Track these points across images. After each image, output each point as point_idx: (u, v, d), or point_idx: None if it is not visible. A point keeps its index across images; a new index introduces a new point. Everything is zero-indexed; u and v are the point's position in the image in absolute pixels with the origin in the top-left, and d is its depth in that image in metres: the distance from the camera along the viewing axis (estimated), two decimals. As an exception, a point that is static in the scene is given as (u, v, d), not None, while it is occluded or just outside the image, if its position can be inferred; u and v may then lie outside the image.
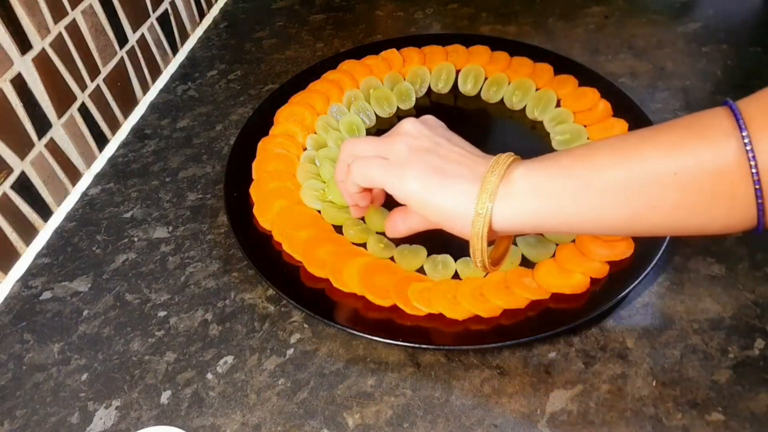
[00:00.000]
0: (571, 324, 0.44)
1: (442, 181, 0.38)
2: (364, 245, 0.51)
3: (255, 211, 0.54)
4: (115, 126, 0.66)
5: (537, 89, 0.64)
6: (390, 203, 0.55)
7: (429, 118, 0.44)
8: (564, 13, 0.78)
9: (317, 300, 0.47)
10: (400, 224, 0.44)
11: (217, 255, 0.54)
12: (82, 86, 0.61)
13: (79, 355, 0.47)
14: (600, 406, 0.41)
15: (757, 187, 0.31)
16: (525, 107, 0.63)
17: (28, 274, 0.54)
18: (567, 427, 0.41)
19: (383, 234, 0.51)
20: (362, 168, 0.42)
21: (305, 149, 0.60)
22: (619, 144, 0.35)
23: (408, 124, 0.42)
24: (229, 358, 0.46)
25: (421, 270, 0.49)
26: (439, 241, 0.51)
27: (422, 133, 0.41)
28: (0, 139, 0.51)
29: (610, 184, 0.34)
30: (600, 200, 0.35)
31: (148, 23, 0.70)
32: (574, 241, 0.49)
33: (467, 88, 0.66)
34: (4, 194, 0.53)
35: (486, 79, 0.66)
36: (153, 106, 0.70)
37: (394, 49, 0.69)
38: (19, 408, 0.44)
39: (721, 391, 0.41)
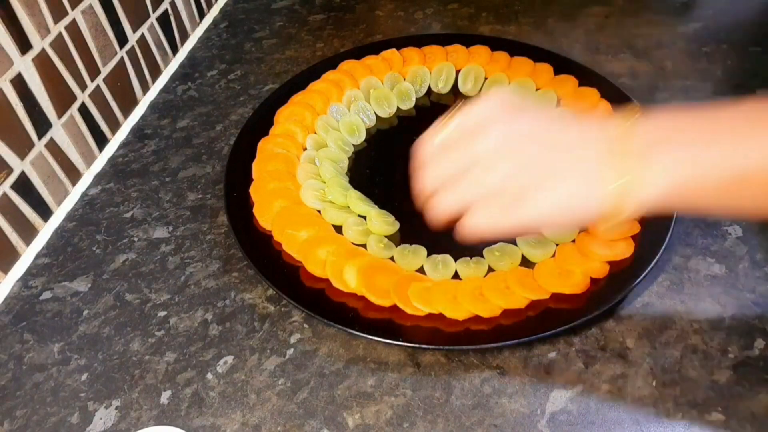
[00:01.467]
0: (571, 324, 0.44)
1: (574, 192, 0.34)
2: (364, 245, 0.51)
3: (255, 211, 0.54)
4: (115, 126, 0.66)
5: (537, 89, 0.64)
6: (391, 206, 0.55)
7: (490, 110, 0.37)
8: (564, 13, 0.78)
9: (317, 300, 0.47)
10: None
11: (217, 255, 0.54)
12: (82, 86, 0.61)
13: (79, 355, 0.47)
14: (600, 406, 0.41)
15: None
16: (525, 107, 0.63)
17: (28, 274, 0.54)
18: (567, 427, 0.41)
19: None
20: (484, 222, 0.36)
21: (305, 149, 0.60)
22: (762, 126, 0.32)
23: (491, 139, 0.35)
24: (229, 358, 0.46)
25: (421, 270, 0.49)
26: (439, 241, 0.51)
27: (514, 140, 0.36)
28: (0, 139, 0.51)
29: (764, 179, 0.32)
30: (755, 193, 0.32)
31: (148, 23, 0.70)
32: (574, 241, 0.49)
33: (467, 88, 0.66)
34: (4, 194, 0.53)
35: (486, 79, 0.66)
36: (153, 106, 0.70)
37: (394, 49, 0.69)
38: (19, 408, 0.44)
39: (721, 391, 0.41)
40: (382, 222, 0.52)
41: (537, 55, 0.67)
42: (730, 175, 0.32)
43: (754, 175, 0.32)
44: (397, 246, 0.51)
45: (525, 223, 0.36)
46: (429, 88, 0.67)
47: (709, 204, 0.34)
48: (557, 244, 0.49)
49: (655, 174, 0.33)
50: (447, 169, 0.37)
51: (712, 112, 0.34)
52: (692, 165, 0.33)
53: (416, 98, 0.66)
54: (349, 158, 0.60)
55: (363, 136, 0.62)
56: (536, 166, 0.35)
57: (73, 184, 0.61)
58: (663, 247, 0.47)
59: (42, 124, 0.56)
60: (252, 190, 0.56)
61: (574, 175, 0.35)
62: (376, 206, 0.54)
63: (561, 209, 0.35)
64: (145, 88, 0.71)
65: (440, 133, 0.39)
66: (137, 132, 0.67)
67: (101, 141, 0.65)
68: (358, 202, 0.54)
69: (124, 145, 0.66)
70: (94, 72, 0.62)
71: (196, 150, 0.64)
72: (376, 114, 0.64)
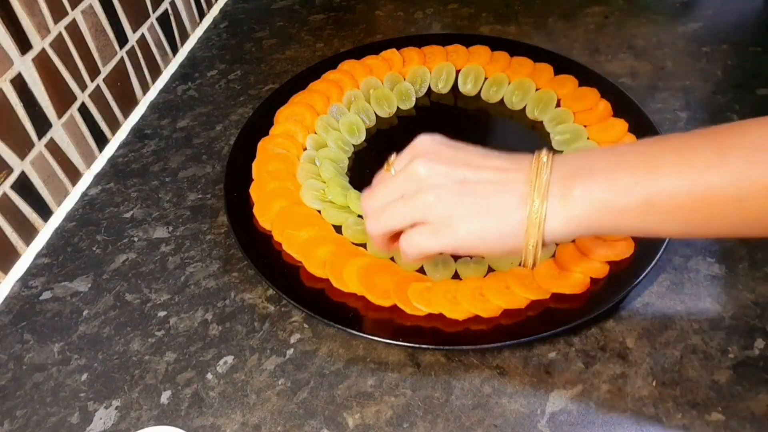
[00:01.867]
0: (571, 324, 0.44)
1: (491, 221, 0.37)
2: (364, 245, 0.51)
3: (255, 211, 0.54)
4: (115, 126, 0.66)
5: (537, 89, 0.64)
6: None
7: (427, 146, 0.40)
8: (564, 13, 0.78)
9: (317, 300, 0.47)
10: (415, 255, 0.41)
11: (217, 255, 0.54)
12: (82, 86, 0.61)
13: (79, 355, 0.47)
14: (600, 406, 0.41)
15: None
16: (525, 107, 0.63)
17: (28, 274, 0.54)
18: (567, 427, 0.41)
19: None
20: (414, 246, 0.39)
21: (305, 149, 0.60)
22: (685, 154, 0.34)
23: (421, 168, 0.38)
24: (229, 358, 0.46)
25: (421, 270, 0.49)
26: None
27: (441, 174, 0.38)
28: (0, 139, 0.51)
29: (673, 205, 0.33)
30: (663, 218, 0.34)
31: (148, 23, 0.70)
32: (574, 241, 0.49)
33: (467, 88, 0.66)
34: (4, 194, 0.53)
35: (486, 79, 0.66)
36: (153, 106, 0.70)
37: (394, 49, 0.69)
38: (19, 408, 0.44)
39: (721, 391, 0.41)
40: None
41: (537, 55, 0.67)
42: (636, 200, 0.34)
43: (659, 198, 0.33)
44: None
45: (451, 249, 0.38)
46: (429, 88, 0.67)
47: (619, 229, 0.36)
48: (557, 244, 0.49)
49: (567, 204, 0.35)
50: (384, 197, 0.40)
51: (619, 147, 0.37)
52: (602, 192, 0.35)
53: (416, 98, 0.66)
54: (349, 158, 0.60)
55: (363, 136, 0.62)
56: (455, 197, 0.37)
57: (73, 184, 0.61)
58: (663, 247, 0.47)
59: (42, 124, 0.56)
60: (252, 190, 0.56)
61: (489, 209, 0.37)
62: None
63: (478, 239, 0.37)
64: (145, 88, 0.71)
65: (384, 172, 0.42)
66: (137, 132, 0.67)
67: (101, 141, 0.65)
68: (358, 202, 0.54)
69: (124, 145, 0.66)
70: (94, 72, 0.62)
71: (196, 150, 0.64)
72: (376, 114, 0.64)
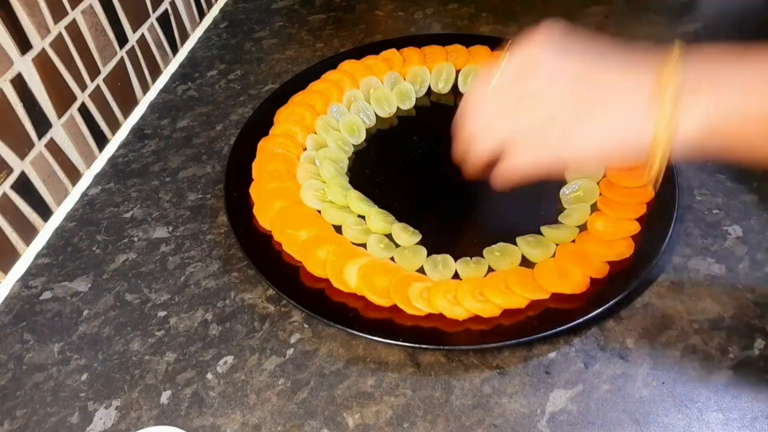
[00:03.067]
0: (571, 324, 0.44)
1: (613, 123, 0.35)
2: (364, 245, 0.51)
3: (255, 211, 0.54)
4: (115, 126, 0.66)
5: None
6: (391, 206, 0.55)
7: (537, 51, 0.38)
8: (564, 13, 0.78)
9: (317, 300, 0.47)
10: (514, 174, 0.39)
11: (217, 255, 0.54)
12: (82, 86, 0.61)
13: (79, 355, 0.47)
14: (600, 406, 0.41)
15: None
16: (525, 107, 0.63)
17: (28, 274, 0.54)
18: (567, 427, 0.41)
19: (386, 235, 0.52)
20: (526, 161, 0.37)
21: (305, 149, 0.60)
22: None
23: (542, 71, 0.36)
24: (229, 358, 0.46)
25: (421, 270, 0.49)
26: (439, 241, 0.51)
27: (562, 71, 0.36)
28: (0, 139, 0.51)
29: None
30: None
31: (148, 23, 0.70)
32: (574, 241, 0.49)
33: (467, 88, 0.66)
34: (4, 194, 0.53)
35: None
36: (153, 106, 0.70)
37: (394, 49, 0.69)
38: (19, 408, 0.44)
39: (721, 391, 0.41)
40: (382, 222, 0.52)
41: (537, 55, 0.66)
42: (759, 110, 0.32)
43: None
44: (397, 247, 0.51)
45: (572, 156, 0.36)
46: (429, 88, 0.67)
47: (745, 146, 0.34)
48: (557, 244, 0.49)
49: (697, 111, 0.33)
50: (492, 111, 0.38)
51: (756, 55, 0.34)
52: (734, 103, 0.33)
53: (416, 98, 0.66)
54: (349, 158, 0.60)
55: (363, 136, 0.62)
56: (582, 102, 0.35)
57: (73, 184, 0.61)
58: (663, 247, 0.47)
59: (42, 124, 0.56)
60: (252, 190, 0.56)
61: (621, 109, 0.35)
62: (376, 206, 0.54)
63: (609, 140, 0.35)
64: (145, 88, 0.71)
65: (489, 79, 0.39)
66: (137, 132, 0.67)
67: (101, 141, 0.65)
68: (358, 202, 0.54)
69: (124, 145, 0.66)
70: (94, 72, 0.62)
71: (196, 150, 0.64)
72: (376, 114, 0.64)
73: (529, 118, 0.37)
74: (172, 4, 0.75)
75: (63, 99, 0.58)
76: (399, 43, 0.70)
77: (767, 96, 0.32)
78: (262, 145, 0.60)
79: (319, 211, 0.54)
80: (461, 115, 0.41)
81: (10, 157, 0.53)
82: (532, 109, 0.37)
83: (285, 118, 0.62)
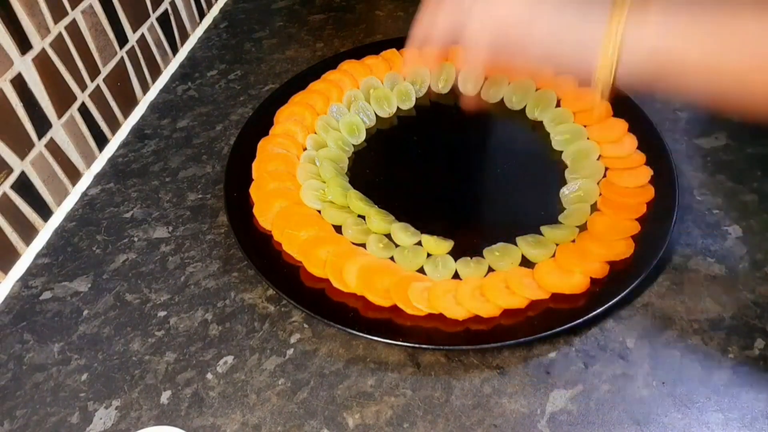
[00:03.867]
0: (571, 324, 0.44)
1: (565, 26, 0.37)
2: (364, 245, 0.51)
3: (255, 211, 0.54)
4: (115, 126, 0.66)
5: (537, 89, 0.63)
6: (391, 206, 0.55)
7: None
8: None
9: (317, 300, 0.47)
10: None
11: (217, 255, 0.54)
12: (82, 86, 0.61)
13: (79, 355, 0.47)
14: (600, 406, 0.41)
15: None
16: (525, 107, 0.63)
17: (28, 274, 0.54)
18: (567, 427, 0.41)
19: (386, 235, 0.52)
20: (485, 52, 0.40)
21: (305, 149, 0.60)
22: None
23: None
24: (229, 358, 0.46)
25: (421, 270, 0.49)
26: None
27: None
28: (0, 139, 0.51)
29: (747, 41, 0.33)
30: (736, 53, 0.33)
31: (148, 23, 0.70)
32: (574, 241, 0.49)
33: (467, 88, 0.66)
34: (4, 194, 0.53)
35: (486, 79, 0.66)
36: (153, 106, 0.70)
37: (394, 49, 0.69)
38: (19, 408, 0.44)
39: (721, 391, 0.41)
40: (382, 222, 0.52)
41: (537, 55, 0.66)
42: (709, 32, 0.33)
43: (735, 37, 0.33)
44: (396, 246, 0.51)
45: (522, 54, 0.39)
46: (429, 88, 0.67)
47: (686, 77, 0.35)
48: (557, 244, 0.49)
49: (645, 29, 0.35)
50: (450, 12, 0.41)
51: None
52: (682, 27, 0.34)
53: (416, 98, 0.66)
54: (349, 158, 0.60)
55: (363, 136, 0.62)
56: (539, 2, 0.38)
57: (73, 184, 0.61)
58: (663, 247, 0.47)
59: (42, 124, 0.56)
60: (252, 190, 0.56)
61: (575, 17, 0.37)
62: (376, 206, 0.54)
63: (560, 42, 0.37)
64: (145, 88, 0.71)
65: None
66: (137, 132, 0.67)
67: (101, 141, 0.65)
68: (358, 202, 0.54)
69: (124, 145, 0.66)
70: (94, 72, 0.62)
71: (196, 150, 0.64)
72: (376, 114, 0.64)
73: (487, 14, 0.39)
74: (172, 4, 0.75)
75: (63, 99, 0.58)
76: (399, 43, 0.70)
77: (716, 27, 0.33)
78: (262, 145, 0.60)
79: (319, 211, 0.54)
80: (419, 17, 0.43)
81: (10, 157, 0.53)
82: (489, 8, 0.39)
83: (285, 118, 0.62)
